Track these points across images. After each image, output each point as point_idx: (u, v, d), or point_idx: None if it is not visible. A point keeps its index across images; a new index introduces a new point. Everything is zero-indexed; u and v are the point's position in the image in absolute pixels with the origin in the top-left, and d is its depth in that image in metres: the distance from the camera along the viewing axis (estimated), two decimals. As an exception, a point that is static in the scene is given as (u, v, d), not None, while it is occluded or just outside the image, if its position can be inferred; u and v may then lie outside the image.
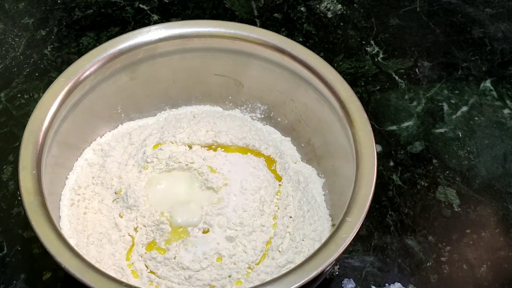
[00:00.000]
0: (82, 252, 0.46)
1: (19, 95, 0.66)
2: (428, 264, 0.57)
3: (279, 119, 0.59)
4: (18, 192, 0.44)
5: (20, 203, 0.43)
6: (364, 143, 0.48)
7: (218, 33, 0.54)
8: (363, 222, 0.43)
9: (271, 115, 0.60)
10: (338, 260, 0.55)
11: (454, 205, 0.61)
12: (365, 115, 0.49)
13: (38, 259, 0.54)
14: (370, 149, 0.47)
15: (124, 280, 0.46)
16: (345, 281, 0.55)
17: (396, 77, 0.72)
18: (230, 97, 0.60)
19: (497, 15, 0.80)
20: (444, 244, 0.58)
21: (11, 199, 0.58)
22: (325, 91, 0.52)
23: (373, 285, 0.55)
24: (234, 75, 0.58)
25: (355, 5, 0.80)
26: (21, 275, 0.53)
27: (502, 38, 0.77)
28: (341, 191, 0.50)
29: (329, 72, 0.52)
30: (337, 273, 0.55)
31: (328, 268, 0.43)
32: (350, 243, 0.43)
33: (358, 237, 0.57)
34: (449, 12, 0.80)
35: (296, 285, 0.40)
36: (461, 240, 0.59)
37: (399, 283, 0.55)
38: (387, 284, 0.55)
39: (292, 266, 0.44)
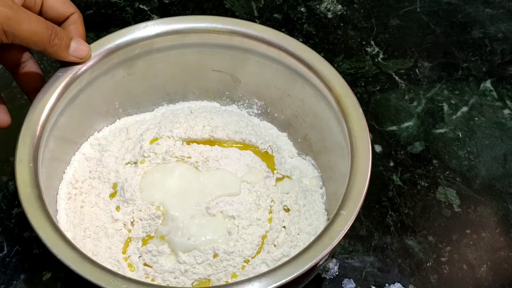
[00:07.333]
0: (78, 245, 0.46)
1: (19, 95, 0.66)
2: (428, 264, 0.56)
3: (276, 115, 0.59)
4: (15, 184, 0.44)
5: (20, 204, 0.43)
6: (359, 137, 0.47)
7: (215, 29, 0.54)
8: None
9: (268, 110, 0.60)
10: (333, 255, 0.55)
11: (454, 205, 0.61)
12: (361, 110, 0.49)
13: (38, 259, 0.54)
14: (365, 143, 0.47)
15: (120, 273, 0.45)
16: (345, 281, 0.55)
17: (396, 78, 0.72)
18: (227, 93, 0.60)
19: (497, 15, 0.80)
20: (444, 244, 0.58)
21: (11, 199, 0.58)
22: (321, 87, 0.51)
23: (373, 285, 0.55)
24: (231, 70, 0.58)
25: (355, 5, 0.80)
26: (21, 275, 0.53)
27: (502, 39, 0.77)
28: (337, 186, 0.50)
29: (325, 68, 0.52)
30: (337, 273, 0.55)
31: (322, 262, 0.43)
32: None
33: (358, 237, 0.57)
34: (449, 12, 0.80)
35: (290, 277, 0.40)
36: (461, 240, 0.58)
37: (399, 283, 0.55)
38: (387, 284, 0.55)
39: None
